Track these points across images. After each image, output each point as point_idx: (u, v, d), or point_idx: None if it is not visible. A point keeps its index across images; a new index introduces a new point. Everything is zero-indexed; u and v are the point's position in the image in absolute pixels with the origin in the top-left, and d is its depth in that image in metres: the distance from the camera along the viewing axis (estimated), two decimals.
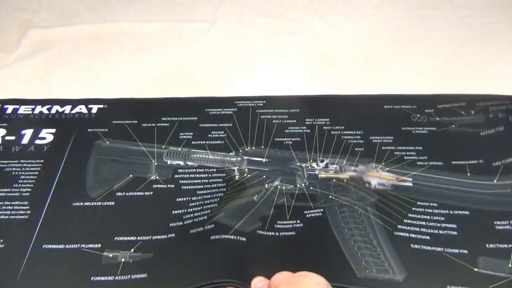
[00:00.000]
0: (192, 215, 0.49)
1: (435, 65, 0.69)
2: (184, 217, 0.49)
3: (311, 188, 0.51)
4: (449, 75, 0.67)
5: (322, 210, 0.49)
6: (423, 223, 0.48)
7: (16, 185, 0.53)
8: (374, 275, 0.43)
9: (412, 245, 0.46)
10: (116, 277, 0.44)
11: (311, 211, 0.49)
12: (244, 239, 0.46)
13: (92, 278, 0.44)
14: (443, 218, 0.48)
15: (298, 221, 0.48)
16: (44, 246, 0.47)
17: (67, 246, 0.47)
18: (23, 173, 0.54)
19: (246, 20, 0.79)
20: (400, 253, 0.45)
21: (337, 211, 0.48)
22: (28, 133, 0.59)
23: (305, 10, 0.80)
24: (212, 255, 0.45)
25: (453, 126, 0.58)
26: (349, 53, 0.72)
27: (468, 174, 0.52)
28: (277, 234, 0.47)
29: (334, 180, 0.52)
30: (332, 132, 0.58)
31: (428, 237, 0.47)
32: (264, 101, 0.63)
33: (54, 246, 0.47)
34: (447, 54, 0.71)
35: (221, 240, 0.45)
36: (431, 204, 0.50)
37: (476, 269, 0.44)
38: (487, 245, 0.46)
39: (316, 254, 0.45)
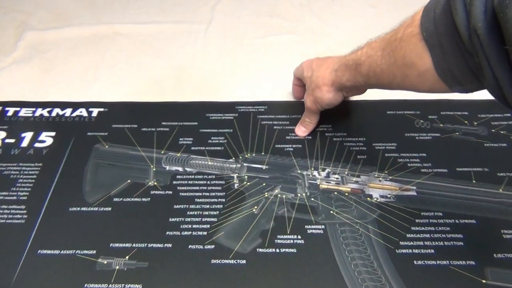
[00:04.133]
0: (190, 226, 0.48)
1: None
2: (181, 226, 0.48)
3: (312, 199, 0.50)
4: None
5: (323, 227, 0.48)
6: (428, 235, 0.46)
7: (14, 189, 0.52)
8: None
9: (415, 262, 0.45)
10: (110, 285, 0.43)
11: (312, 226, 0.48)
12: (244, 261, 0.45)
13: (85, 285, 0.43)
14: (448, 228, 0.47)
15: (299, 237, 0.47)
16: (39, 251, 0.46)
17: (62, 251, 0.46)
18: (21, 176, 0.54)
19: (243, 20, 0.78)
20: (402, 273, 0.44)
21: (338, 230, 0.47)
22: (28, 136, 0.59)
23: (302, 9, 0.79)
24: (211, 279, 0.44)
25: (457, 133, 0.57)
26: (346, 51, 0.71)
27: (473, 181, 0.51)
28: (277, 250, 0.46)
29: (335, 193, 0.51)
30: (334, 139, 0.57)
31: (432, 251, 0.45)
32: (266, 107, 0.62)
33: (49, 252, 0.46)
34: None
35: (222, 264, 0.45)
36: (436, 214, 0.48)
37: (484, 281, 0.42)
38: (495, 255, 0.44)
39: (315, 276, 0.44)
